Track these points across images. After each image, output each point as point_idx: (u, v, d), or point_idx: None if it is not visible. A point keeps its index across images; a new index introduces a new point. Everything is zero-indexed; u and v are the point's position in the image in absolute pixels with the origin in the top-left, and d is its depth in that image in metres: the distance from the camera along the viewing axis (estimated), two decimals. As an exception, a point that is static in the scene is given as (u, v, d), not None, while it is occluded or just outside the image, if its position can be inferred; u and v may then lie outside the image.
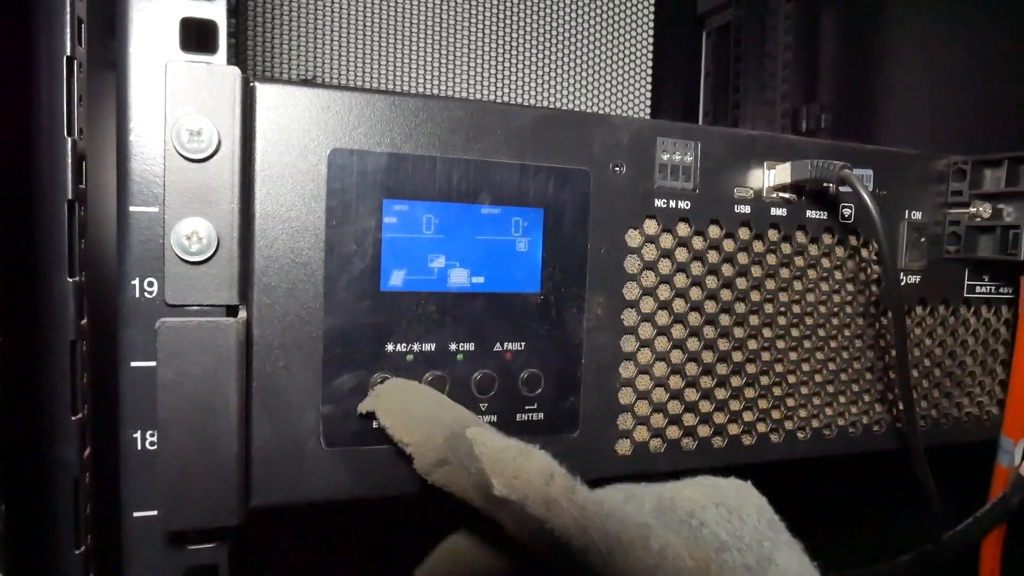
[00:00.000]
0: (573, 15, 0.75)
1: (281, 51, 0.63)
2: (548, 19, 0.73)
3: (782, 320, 0.42)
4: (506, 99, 0.72)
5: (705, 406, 0.41)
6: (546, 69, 0.73)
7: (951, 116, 0.64)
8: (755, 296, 0.41)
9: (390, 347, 0.34)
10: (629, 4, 0.78)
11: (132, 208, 0.31)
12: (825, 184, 0.40)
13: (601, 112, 0.75)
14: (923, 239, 0.45)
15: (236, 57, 0.60)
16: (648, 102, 0.79)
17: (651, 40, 0.79)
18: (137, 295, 0.31)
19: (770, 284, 0.41)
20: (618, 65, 0.78)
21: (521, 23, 0.72)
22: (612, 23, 0.77)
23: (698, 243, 0.39)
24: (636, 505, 0.32)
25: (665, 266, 0.39)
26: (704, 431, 0.41)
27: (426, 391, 0.34)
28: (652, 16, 0.79)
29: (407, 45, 0.68)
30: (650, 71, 0.79)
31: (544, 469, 0.30)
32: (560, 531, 0.28)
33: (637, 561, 0.28)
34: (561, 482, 0.29)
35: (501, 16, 0.71)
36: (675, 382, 0.40)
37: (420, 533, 0.63)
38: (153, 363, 0.30)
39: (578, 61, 0.75)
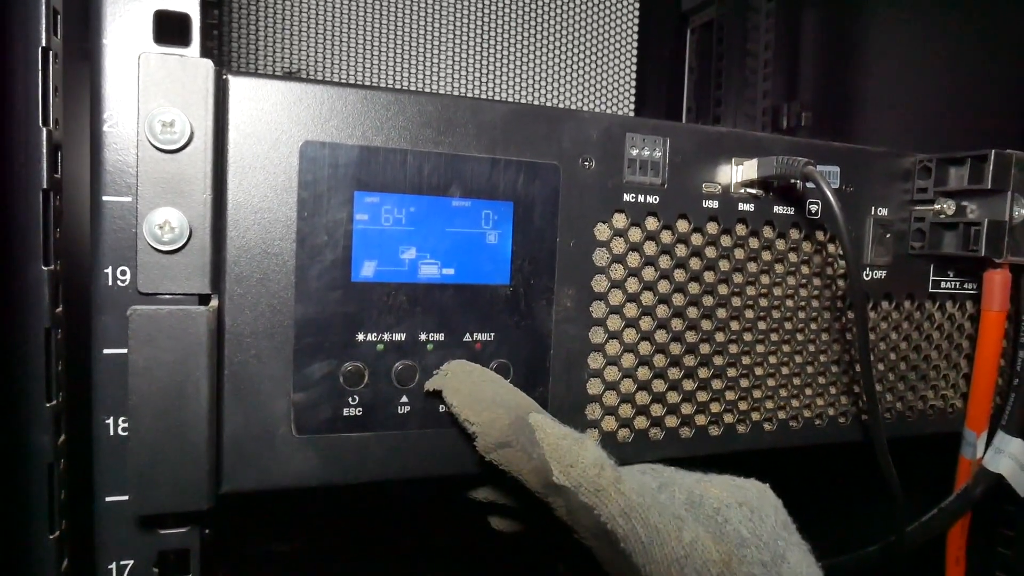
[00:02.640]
0: (558, 11, 0.75)
1: (264, 45, 0.63)
2: (533, 15, 0.74)
3: (749, 313, 0.43)
4: (490, 96, 0.72)
5: (672, 397, 0.41)
6: (531, 66, 0.74)
7: (928, 114, 0.65)
8: (723, 289, 0.42)
9: (361, 336, 0.35)
10: (614, 1, 0.78)
11: (105, 198, 0.31)
12: (792, 180, 0.41)
13: (573, 108, 0.76)
14: (889, 235, 0.46)
15: (219, 50, 0.61)
16: (632, 98, 0.80)
17: (636, 37, 0.80)
18: (110, 283, 0.32)
19: (737, 278, 0.42)
20: (603, 61, 0.78)
21: (506, 19, 0.73)
22: (597, 19, 0.78)
23: (666, 237, 0.40)
24: (669, 495, 0.35)
25: (634, 259, 0.40)
26: (671, 421, 0.42)
27: (489, 374, 0.36)
28: (637, 13, 0.80)
29: (391, 40, 0.68)
30: (635, 67, 0.80)
31: (597, 459, 0.32)
32: (607, 518, 0.31)
33: (671, 551, 0.31)
34: (610, 473, 0.32)
35: (485, 12, 0.72)
36: (643, 373, 0.40)
37: (398, 522, 0.64)
38: (125, 350, 0.31)
39: (563, 57, 0.76)
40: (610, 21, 0.78)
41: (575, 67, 0.77)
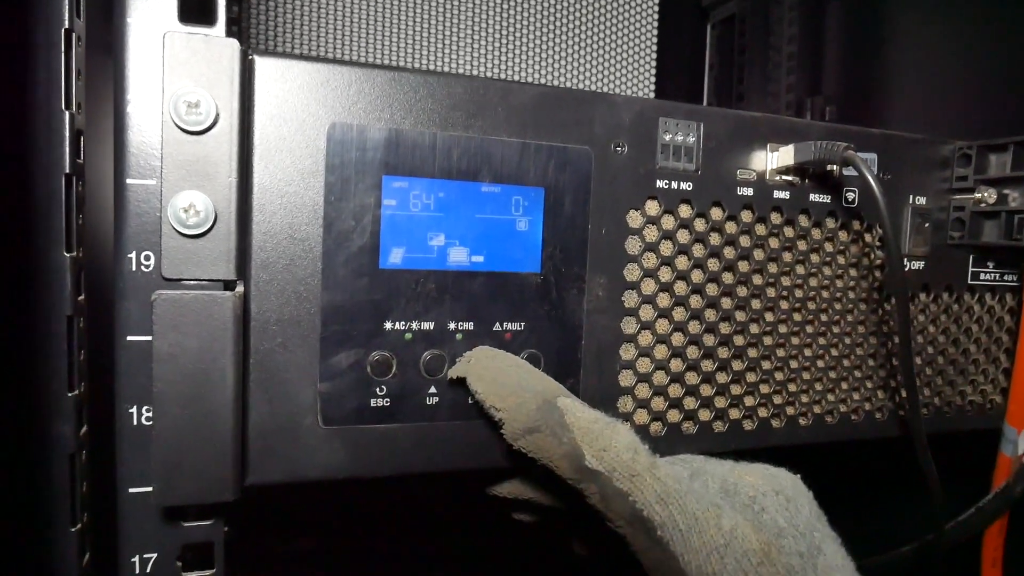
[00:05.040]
0: (578, 5, 0.74)
1: (284, 26, 0.63)
2: (553, 9, 0.73)
3: (784, 304, 0.42)
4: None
5: (706, 390, 0.40)
6: (550, 60, 0.73)
7: (957, 108, 0.63)
8: (757, 280, 0.41)
9: (388, 325, 0.34)
10: (633, -4, 0.77)
11: (129, 181, 0.31)
12: (829, 167, 0.40)
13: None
14: (927, 224, 0.44)
15: (239, 31, 0.60)
16: (652, 94, 0.79)
17: (655, 31, 0.79)
18: (134, 269, 0.31)
19: (772, 268, 0.41)
20: (622, 56, 0.77)
21: (525, 13, 0.72)
22: (617, 14, 0.77)
23: (700, 225, 0.39)
24: (702, 483, 0.33)
25: (666, 248, 0.39)
26: (705, 415, 0.40)
27: (514, 359, 0.35)
28: (657, 7, 0.79)
29: (413, 24, 0.67)
30: (654, 63, 0.79)
31: (630, 444, 0.31)
32: (643, 504, 0.30)
33: (710, 539, 0.30)
34: (645, 458, 0.31)
35: (505, 6, 0.71)
36: (676, 365, 0.39)
37: (421, 518, 0.63)
38: (149, 337, 0.30)
39: (583, 52, 0.75)
40: (630, 16, 0.77)
41: (594, 64, 0.76)
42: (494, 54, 0.71)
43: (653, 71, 0.79)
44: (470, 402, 0.35)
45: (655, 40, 0.79)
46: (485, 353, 0.35)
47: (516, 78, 0.72)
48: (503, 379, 0.33)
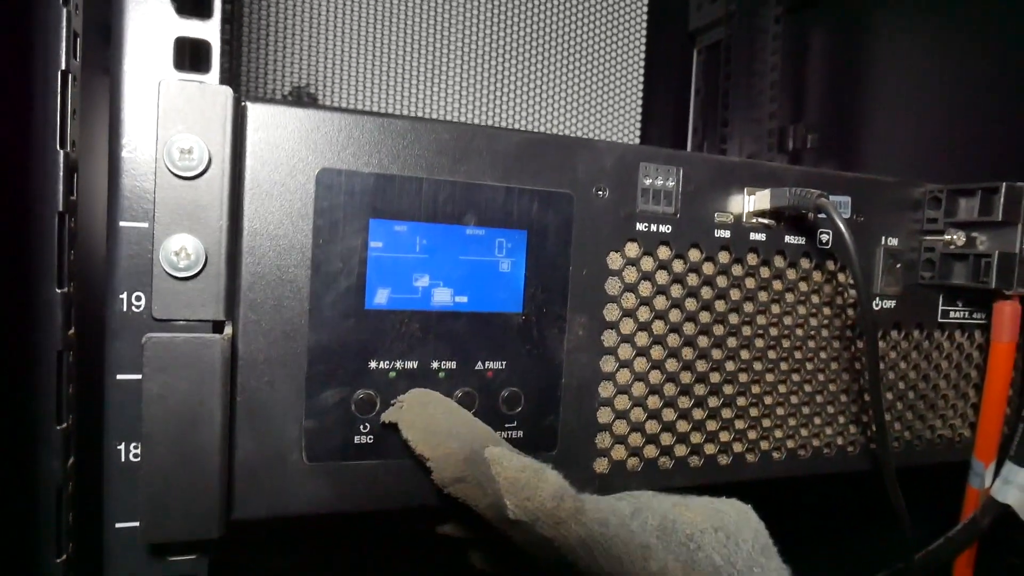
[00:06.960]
0: (566, 31, 0.75)
1: (273, 67, 0.64)
2: (541, 35, 0.74)
3: (759, 342, 0.43)
4: (498, 114, 0.73)
5: (682, 426, 0.41)
6: (538, 84, 0.74)
7: (934, 138, 0.65)
8: (733, 318, 0.42)
9: (373, 364, 0.35)
10: (621, 20, 0.79)
11: (122, 223, 0.31)
12: (803, 211, 0.41)
13: (586, 136, 0.76)
14: (899, 265, 0.46)
15: (228, 72, 0.61)
16: (639, 118, 0.80)
17: (643, 56, 0.80)
18: (125, 309, 0.32)
19: (748, 307, 0.42)
20: (610, 80, 0.78)
21: (513, 38, 0.73)
22: (604, 39, 0.78)
23: (678, 266, 0.40)
24: (641, 522, 0.34)
25: (646, 288, 0.40)
26: (681, 450, 0.41)
27: (447, 404, 0.35)
28: (644, 32, 0.80)
29: (399, 63, 0.68)
30: (641, 87, 0.80)
31: (556, 492, 0.31)
32: (567, 550, 0.31)
33: None
34: (570, 504, 0.31)
35: (494, 30, 0.72)
36: (653, 402, 0.40)
37: (403, 541, 0.64)
38: (139, 376, 0.30)
39: (570, 76, 0.76)
40: (617, 40, 0.79)
41: (582, 85, 0.77)
42: (484, 74, 0.72)
43: (640, 94, 0.80)
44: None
45: (642, 63, 0.80)
46: (417, 398, 0.35)
47: (507, 101, 0.73)
48: (433, 427, 0.33)
